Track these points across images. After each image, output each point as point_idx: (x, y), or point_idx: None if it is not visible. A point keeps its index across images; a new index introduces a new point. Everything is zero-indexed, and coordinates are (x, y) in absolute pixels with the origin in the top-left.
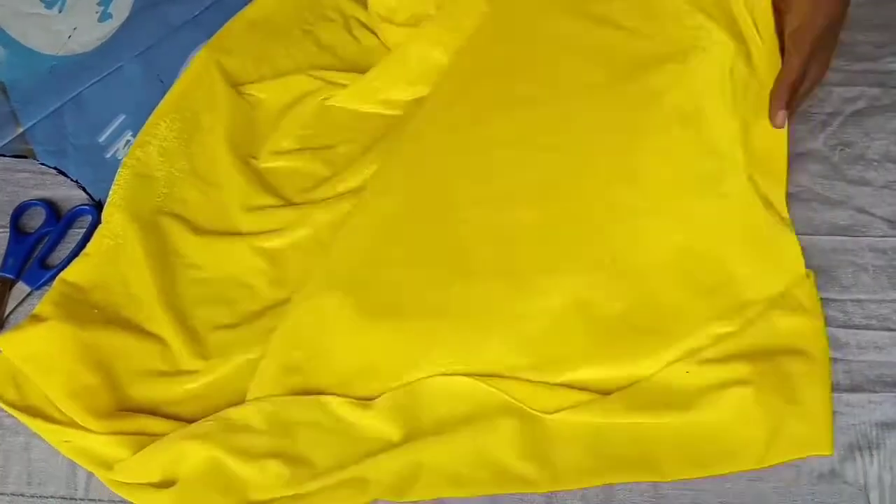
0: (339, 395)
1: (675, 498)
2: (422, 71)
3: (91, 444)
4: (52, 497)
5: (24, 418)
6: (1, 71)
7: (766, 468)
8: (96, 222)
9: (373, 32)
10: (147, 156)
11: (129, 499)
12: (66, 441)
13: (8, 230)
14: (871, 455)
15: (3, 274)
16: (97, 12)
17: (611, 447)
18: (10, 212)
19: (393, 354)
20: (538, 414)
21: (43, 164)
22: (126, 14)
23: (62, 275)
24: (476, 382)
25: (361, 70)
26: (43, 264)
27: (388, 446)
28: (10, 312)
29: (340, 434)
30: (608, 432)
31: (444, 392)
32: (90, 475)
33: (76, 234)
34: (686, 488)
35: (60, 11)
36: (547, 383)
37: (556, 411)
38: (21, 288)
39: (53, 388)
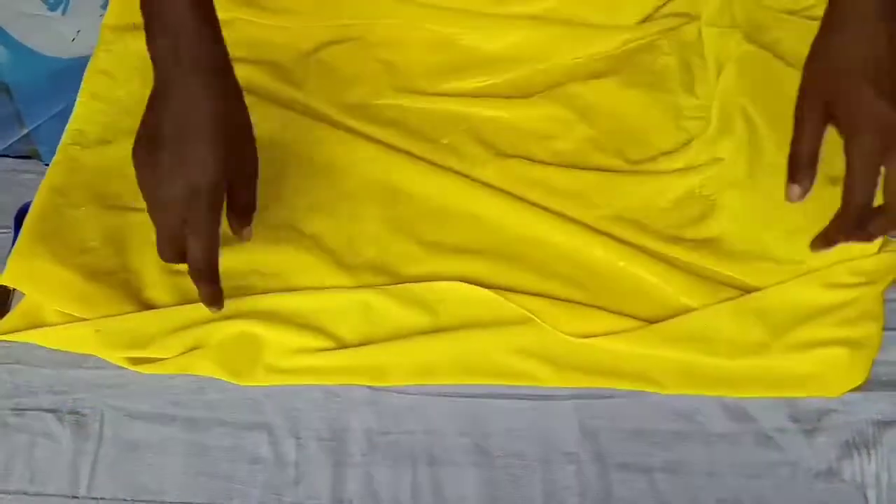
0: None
1: (674, 496)
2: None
3: (129, 324)
4: (54, 495)
5: (41, 333)
6: (5, 72)
7: (763, 465)
8: None
9: None
10: None
11: (158, 372)
12: (97, 330)
13: (12, 231)
14: (869, 454)
15: None
16: (101, 15)
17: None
18: (14, 213)
19: None
20: (566, 337)
21: (47, 165)
22: None
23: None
24: (501, 299)
25: None
26: None
27: (413, 333)
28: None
29: (369, 318)
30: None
31: (469, 298)
32: (92, 473)
33: None
34: (685, 487)
35: (63, 13)
36: (584, 305)
37: (588, 336)
38: None
39: (64, 298)
